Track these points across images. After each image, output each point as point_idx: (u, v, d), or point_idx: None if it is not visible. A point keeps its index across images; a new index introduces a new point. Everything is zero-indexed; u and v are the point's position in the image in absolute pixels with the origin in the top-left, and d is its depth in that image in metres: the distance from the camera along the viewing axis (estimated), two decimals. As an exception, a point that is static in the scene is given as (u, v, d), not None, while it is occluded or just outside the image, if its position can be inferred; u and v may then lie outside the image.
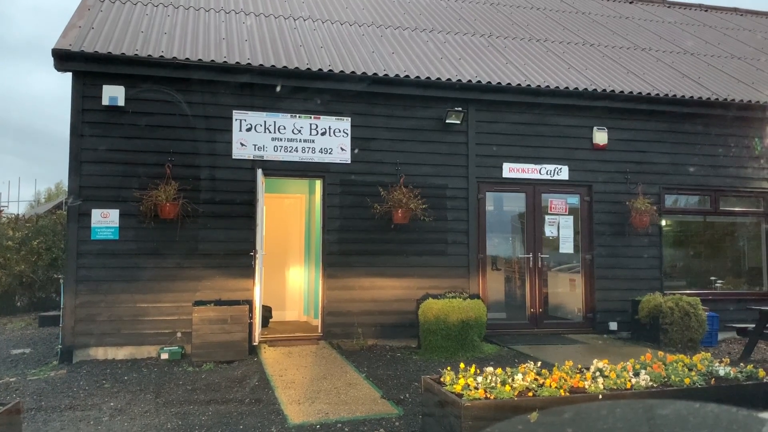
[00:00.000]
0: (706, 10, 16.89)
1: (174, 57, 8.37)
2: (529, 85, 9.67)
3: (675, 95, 10.23)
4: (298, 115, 9.11)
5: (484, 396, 4.33)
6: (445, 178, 9.59)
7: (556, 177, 10.05)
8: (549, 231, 10.14)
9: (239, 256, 8.67)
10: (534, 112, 9.98)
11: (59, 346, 8.18)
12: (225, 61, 8.56)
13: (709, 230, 11.44)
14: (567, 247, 10.20)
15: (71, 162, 8.25)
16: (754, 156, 10.87)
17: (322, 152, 9.15)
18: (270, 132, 8.98)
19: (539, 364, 5.04)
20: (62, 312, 8.22)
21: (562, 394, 4.48)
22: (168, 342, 8.28)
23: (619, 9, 15.57)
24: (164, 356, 8.01)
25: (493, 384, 4.53)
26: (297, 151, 9.07)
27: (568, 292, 10.46)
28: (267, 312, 10.22)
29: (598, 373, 4.95)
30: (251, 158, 8.88)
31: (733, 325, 8.96)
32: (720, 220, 11.34)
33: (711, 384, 4.93)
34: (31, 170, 72.69)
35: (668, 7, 16.61)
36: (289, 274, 11.76)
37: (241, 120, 8.88)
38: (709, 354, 5.51)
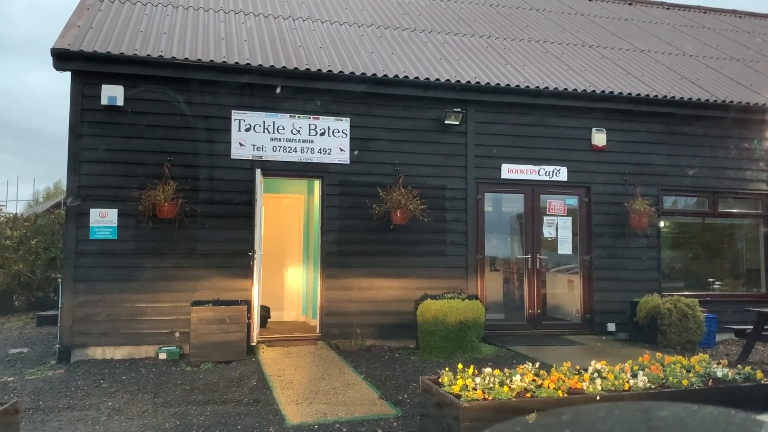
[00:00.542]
0: (705, 12, 16.91)
1: (173, 57, 8.36)
2: (528, 87, 9.68)
3: (674, 97, 10.24)
4: (297, 116, 9.11)
5: (483, 397, 4.33)
6: (444, 178, 9.60)
7: (554, 178, 10.06)
8: (547, 232, 10.15)
9: (238, 256, 8.67)
10: (533, 113, 9.99)
11: (57, 346, 8.17)
12: (224, 61, 8.56)
13: (708, 232, 11.45)
14: (565, 248, 10.21)
15: (70, 161, 8.25)
16: (752, 158, 10.89)
17: (321, 152, 9.16)
18: (269, 132, 8.98)
19: (537, 365, 5.04)
20: (60, 311, 8.20)
21: (561, 395, 4.47)
22: (166, 342, 8.28)
23: (618, 11, 15.59)
24: (162, 356, 8.00)
25: (491, 385, 4.52)
26: (296, 151, 9.07)
27: (566, 293, 10.47)
28: (265, 312, 10.22)
29: (596, 375, 4.95)
30: (250, 158, 8.88)
31: (731, 327, 8.98)
32: (718, 222, 11.36)
33: (709, 385, 4.94)
34: (30, 169, 72.63)
35: (667, 9, 16.64)
36: (287, 274, 11.75)
37: (240, 120, 8.88)
38: (707, 355, 5.51)
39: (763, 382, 5.09)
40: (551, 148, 10.07)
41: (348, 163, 9.25)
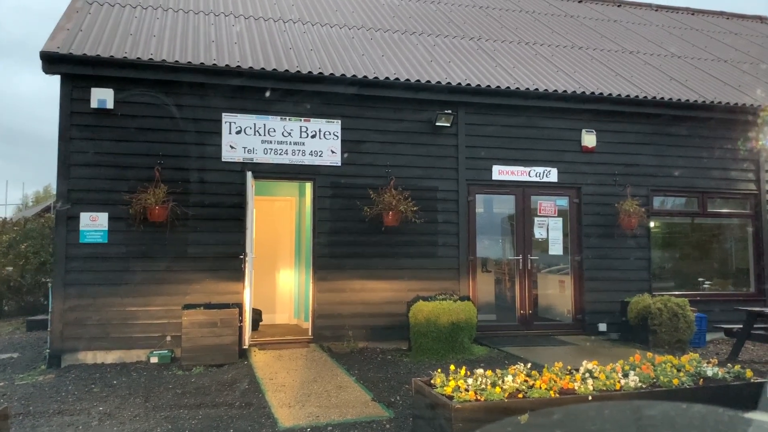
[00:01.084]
0: (693, 14, 17.05)
1: (163, 60, 8.34)
2: (518, 88, 9.72)
3: (662, 98, 10.32)
4: (288, 118, 9.11)
5: (475, 398, 4.34)
6: (435, 180, 9.62)
7: (545, 179, 10.11)
8: (538, 233, 10.19)
9: (229, 259, 8.64)
10: (523, 115, 10.04)
11: (47, 351, 8.11)
12: (214, 64, 8.54)
13: (697, 232, 11.54)
14: (556, 248, 10.25)
15: (60, 165, 8.20)
16: (740, 158, 10.98)
17: (312, 155, 9.15)
18: (260, 134, 8.97)
19: (529, 365, 5.06)
20: (50, 316, 8.15)
21: (552, 395, 4.50)
22: (157, 346, 8.24)
23: (607, 12, 15.69)
24: (154, 360, 7.97)
25: (483, 386, 4.54)
26: (287, 153, 9.06)
27: (557, 293, 10.51)
28: (257, 315, 10.19)
29: (587, 375, 4.98)
30: (241, 161, 8.86)
31: (721, 326, 9.05)
32: (707, 222, 11.44)
33: (699, 384, 4.98)
34: (19, 173, 72.09)
35: (655, 10, 16.76)
36: (279, 276, 11.73)
37: (230, 123, 8.86)
38: (698, 355, 5.56)
39: (752, 380, 5.15)
40: (541, 150, 10.11)
41: (339, 165, 9.25)
